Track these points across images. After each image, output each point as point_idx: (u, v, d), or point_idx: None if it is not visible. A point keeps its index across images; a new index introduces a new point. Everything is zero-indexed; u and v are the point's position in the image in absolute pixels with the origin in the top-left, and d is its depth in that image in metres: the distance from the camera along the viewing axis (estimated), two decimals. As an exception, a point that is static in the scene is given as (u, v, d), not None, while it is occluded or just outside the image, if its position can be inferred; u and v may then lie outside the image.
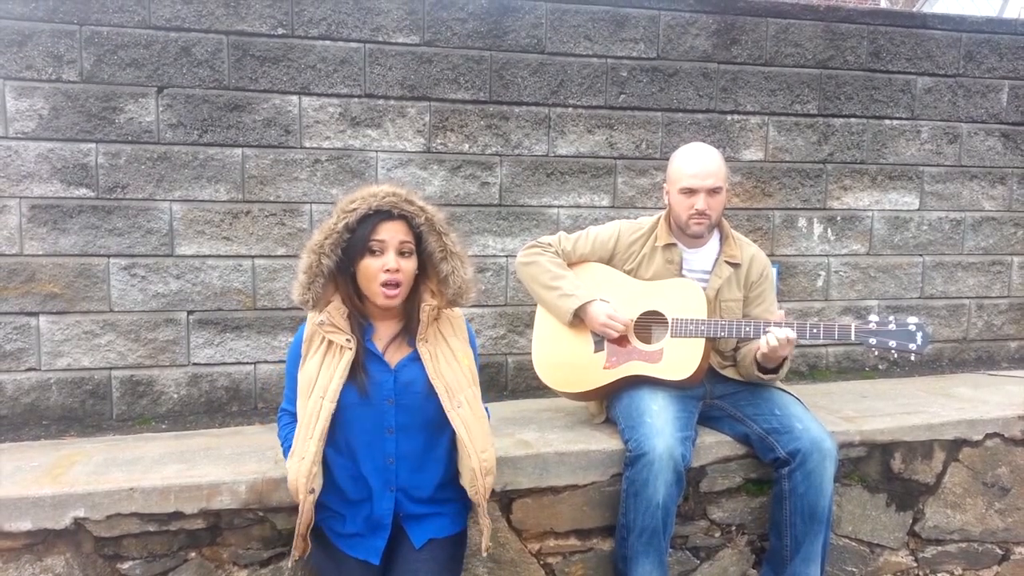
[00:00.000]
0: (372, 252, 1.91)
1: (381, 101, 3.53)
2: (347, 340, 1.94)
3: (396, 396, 1.96)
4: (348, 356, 1.93)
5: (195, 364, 3.44)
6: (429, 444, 2.00)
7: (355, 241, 1.91)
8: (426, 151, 3.60)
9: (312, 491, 1.91)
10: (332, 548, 2.01)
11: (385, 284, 1.92)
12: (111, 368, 3.35)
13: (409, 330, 2.02)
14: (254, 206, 3.44)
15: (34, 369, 3.28)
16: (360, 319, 1.99)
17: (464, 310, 2.40)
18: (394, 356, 2.00)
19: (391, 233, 1.92)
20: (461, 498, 2.08)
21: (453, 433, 1.98)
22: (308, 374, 1.96)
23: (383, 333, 2.03)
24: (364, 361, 1.95)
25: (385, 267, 1.90)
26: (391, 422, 1.96)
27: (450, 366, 2.00)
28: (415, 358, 1.99)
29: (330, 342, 1.96)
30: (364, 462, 1.95)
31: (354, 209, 1.90)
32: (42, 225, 3.24)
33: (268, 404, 3.50)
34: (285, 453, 2.06)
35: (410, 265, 1.96)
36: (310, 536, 2.02)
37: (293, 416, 2.08)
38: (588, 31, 3.72)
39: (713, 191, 2.57)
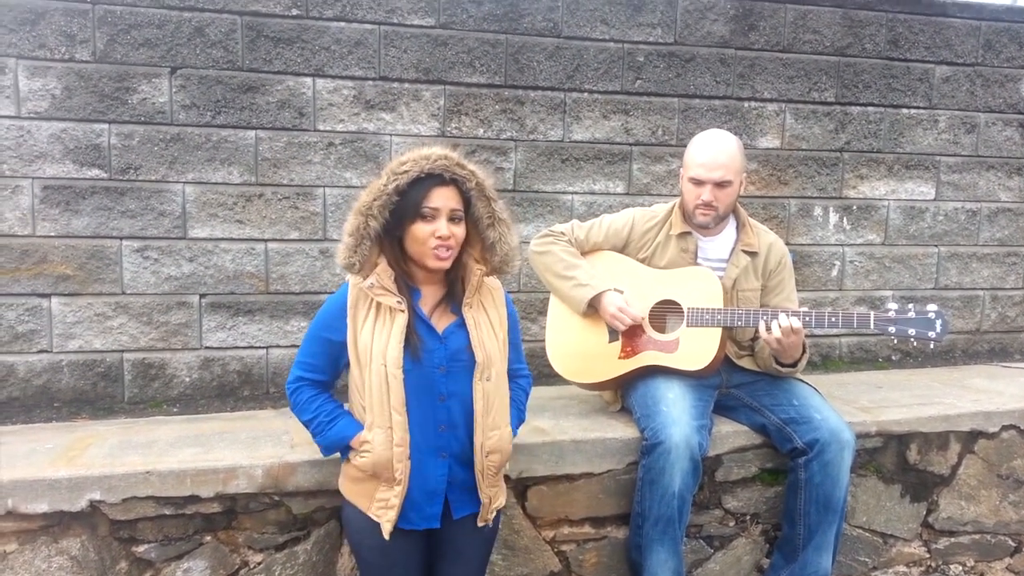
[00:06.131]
0: (424, 217, 1.86)
1: (396, 84, 3.50)
2: (398, 302, 1.88)
3: (447, 363, 1.93)
4: (401, 319, 1.88)
5: (207, 348, 3.43)
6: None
7: (405, 205, 1.85)
8: (440, 135, 3.57)
9: (410, 458, 1.86)
10: (376, 524, 1.92)
11: (437, 247, 1.87)
12: (123, 351, 3.34)
13: (452, 296, 1.99)
14: (267, 189, 3.42)
15: (46, 351, 3.28)
16: (407, 283, 1.94)
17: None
18: (440, 322, 1.96)
19: (443, 200, 1.87)
20: None
21: None
22: (364, 343, 1.89)
23: (428, 298, 1.98)
24: (415, 325, 1.90)
25: (437, 233, 1.86)
26: (442, 389, 1.92)
27: (490, 337, 1.97)
28: (460, 324, 1.95)
29: (378, 307, 1.90)
30: (415, 429, 1.89)
31: (405, 171, 1.83)
32: (54, 206, 3.23)
33: (280, 389, 3.49)
34: (322, 428, 1.96)
35: (460, 231, 1.91)
36: (343, 515, 1.99)
37: (316, 385, 2.00)
38: (605, 15, 3.67)
39: (720, 184, 2.52)
